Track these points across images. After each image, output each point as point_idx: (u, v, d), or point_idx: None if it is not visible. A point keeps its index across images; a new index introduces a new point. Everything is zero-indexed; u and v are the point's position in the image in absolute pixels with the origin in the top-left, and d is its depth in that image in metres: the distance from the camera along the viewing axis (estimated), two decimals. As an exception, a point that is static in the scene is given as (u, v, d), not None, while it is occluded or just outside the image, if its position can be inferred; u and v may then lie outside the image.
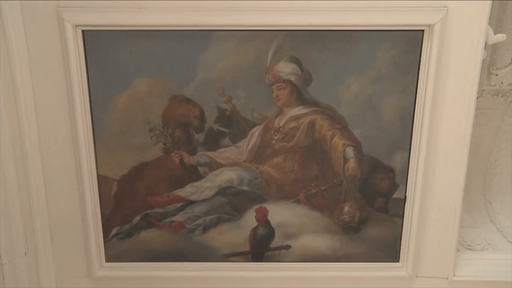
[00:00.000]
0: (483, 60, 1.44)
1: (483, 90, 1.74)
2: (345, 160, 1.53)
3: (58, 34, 1.37)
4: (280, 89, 1.47)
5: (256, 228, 1.60)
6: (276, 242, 1.62)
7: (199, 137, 1.52)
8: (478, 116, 1.74)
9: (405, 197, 1.56)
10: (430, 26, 1.36)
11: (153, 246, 1.61)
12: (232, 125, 1.50)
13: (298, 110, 1.49)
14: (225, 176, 1.55)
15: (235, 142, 1.52)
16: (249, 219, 1.59)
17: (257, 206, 1.58)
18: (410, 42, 1.40)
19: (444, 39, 1.38)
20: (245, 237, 1.61)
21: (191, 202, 1.57)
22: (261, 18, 1.35)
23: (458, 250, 1.65)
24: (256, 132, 1.51)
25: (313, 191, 1.56)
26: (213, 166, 1.54)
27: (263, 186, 1.56)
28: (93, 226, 1.56)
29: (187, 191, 1.56)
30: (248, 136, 1.52)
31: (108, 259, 1.62)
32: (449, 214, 1.57)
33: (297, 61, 1.43)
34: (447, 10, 1.35)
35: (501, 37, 1.41)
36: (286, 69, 1.44)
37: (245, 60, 1.41)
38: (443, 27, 1.36)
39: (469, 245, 1.74)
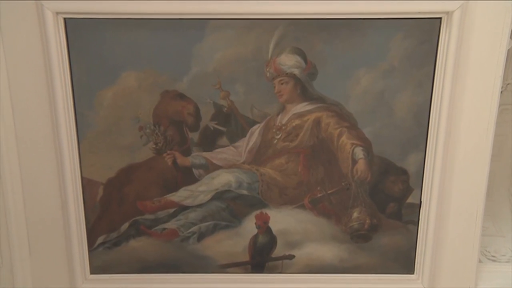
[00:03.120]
0: (508, 50, 1.39)
1: (508, 84, 1.72)
2: (354, 162, 1.49)
3: (37, 23, 1.31)
4: (282, 84, 1.43)
5: (256, 236, 1.57)
6: (278, 251, 1.59)
7: (194, 136, 1.48)
8: (502, 112, 1.71)
9: (420, 202, 1.52)
10: (449, 13, 1.31)
11: (143, 256, 1.58)
12: (230, 123, 1.47)
13: (302, 107, 1.46)
14: (222, 179, 1.52)
15: (233, 141, 1.49)
16: (249, 226, 1.56)
17: (257, 212, 1.55)
18: (426, 31, 1.35)
19: (464, 28, 1.33)
20: (244, 246, 1.58)
21: (185, 208, 1.54)
22: (261, 5, 1.30)
23: (480, 261, 1.61)
24: (256, 130, 1.48)
25: (319, 195, 1.53)
26: (209, 168, 1.51)
27: (264, 190, 1.53)
28: (76, 234, 1.52)
29: (181, 195, 1.53)
30: (248, 135, 1.48)
31: (93, 271, 1.59)
32: (470, 221, 1.53)
33: (301, 53, 1.39)
34: (468, -5, 1.30)
35: (529, 25, 1.37)
36: (289, 61, 1.40)
37: (244, 51, 1.38)
38: (463, 14, 1.30)
39: (493, 256, 1.70)
